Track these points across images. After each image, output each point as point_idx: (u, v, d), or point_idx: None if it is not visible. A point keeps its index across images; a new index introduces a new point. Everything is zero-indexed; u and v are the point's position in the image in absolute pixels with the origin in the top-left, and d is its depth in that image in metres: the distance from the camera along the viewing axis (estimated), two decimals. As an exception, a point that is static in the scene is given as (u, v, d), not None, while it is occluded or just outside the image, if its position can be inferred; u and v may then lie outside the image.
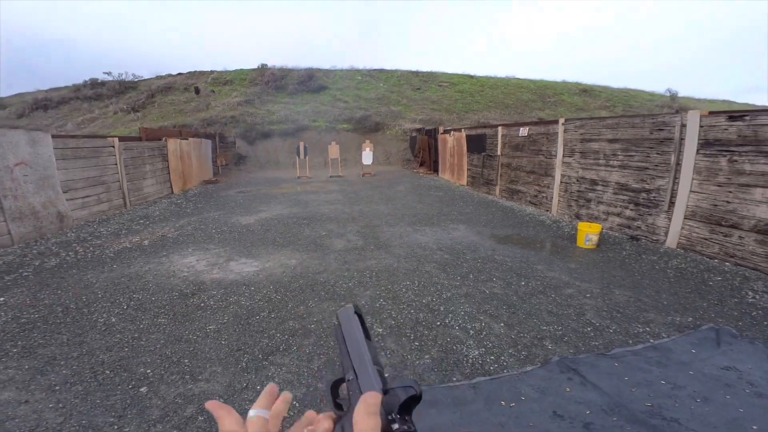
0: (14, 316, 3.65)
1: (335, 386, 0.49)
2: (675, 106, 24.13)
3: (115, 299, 4.03)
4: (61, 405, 2.46)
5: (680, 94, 27.90)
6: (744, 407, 2.29)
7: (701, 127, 4.94)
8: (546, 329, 3.34)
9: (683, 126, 5.16)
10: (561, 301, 3.88)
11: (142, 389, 2.61)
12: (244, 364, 2.90)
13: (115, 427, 2.27)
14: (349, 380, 0.45)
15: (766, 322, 3.33)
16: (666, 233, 5.48)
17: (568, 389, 2.53)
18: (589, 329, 3.31)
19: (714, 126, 4.81)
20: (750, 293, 3.91)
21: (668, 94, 27.49)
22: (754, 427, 2.12)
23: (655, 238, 5.67)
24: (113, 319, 3.59)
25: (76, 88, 25.23)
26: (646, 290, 4.08)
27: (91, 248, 5.83)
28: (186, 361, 2.94)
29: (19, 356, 3.00)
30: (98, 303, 3.95)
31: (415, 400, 0.41)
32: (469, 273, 4.70)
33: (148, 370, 2.81)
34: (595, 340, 3.14)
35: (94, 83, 25.39)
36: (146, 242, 6.19)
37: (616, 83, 36.10)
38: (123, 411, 2.41)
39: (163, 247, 5.93)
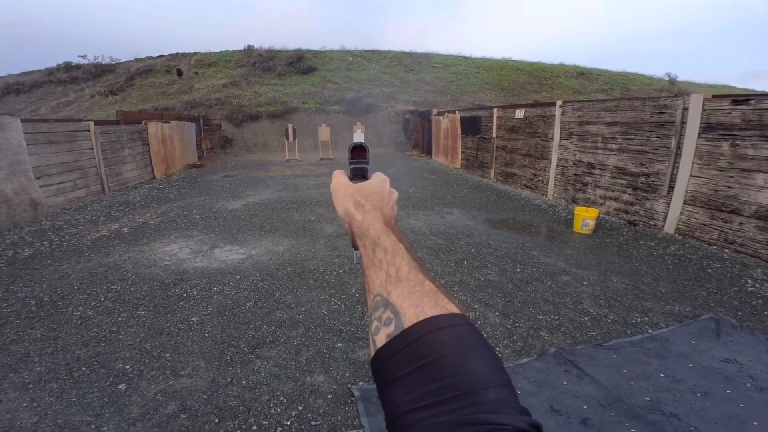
0: (-16, 311, 3.42)
1: (351, 154, 0.65)
2: (674, 90, 23.97)
3: (92, 291, 3.83)
4: (35, 404, 2.34)
5: (680, 79, 27.69)
6: (744, 402, 2.23)
7: (704, 110, 4.81)
8: (542, 318, 3.24)
9: (685, 109, 5.02)
10: (557, 288, 3.78)
11: (120, 386, 2.48)
12: (228, 357, 2.77)
13: (93, 426, 2.16)
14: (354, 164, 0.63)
15: (766, 312, 3.26)
16: (664, 219, 5.40)
17: (565, 382, 2.45)
18: (586, 318, 3.22)
19: (717, 110, 4.68)
20: (750, 281, 3.84)
21: (667, 78, 27.26)
22: (755, 423, 2.06)
23: (653, 224, 5.59)
24: (90, 312, 3.41)
25: (49, 72, 24.08)
26: (644, 277, 3.99)
27: (67, 237, 5.57)
28: (167, 355, 2.80)
29: None
30: (74, 295, 3.75)
31: (359, 147, 0.61)
32: (463, 259, 4.58)
33: (127, 366, 2.68)
34: (592, 330, 3.05)
35: (68, 66, 24.23)
36: (126, 230, 5.94)
37: (614, 67, 35.74)
38: (100, 409, 2.29)
39: (144, 234, 5.69)
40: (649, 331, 3.01)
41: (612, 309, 3.36)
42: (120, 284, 3.99)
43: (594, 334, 2.99)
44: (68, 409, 2.29)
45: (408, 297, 0.37)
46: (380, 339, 0.36)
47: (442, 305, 0.36)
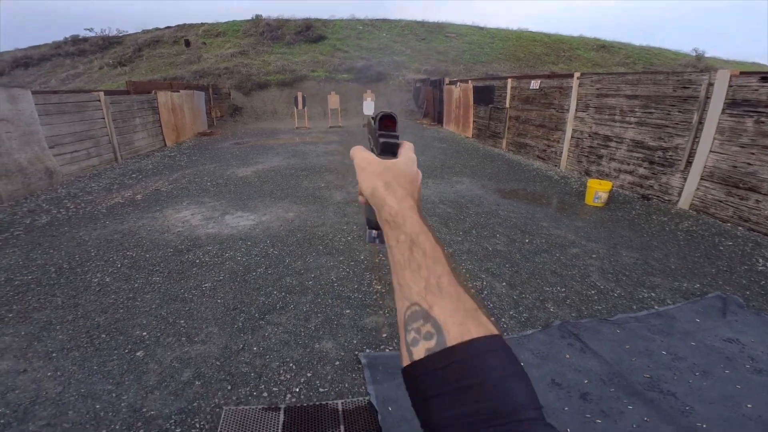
0: (7, 279, 3.55)
1: (369, 125, 0.58)
2: (700, 66, 22.78)
3: (109, 257, 3.94)
4: (59, 373, 2.39)
5: (707, 55, 26.20)
6: (742, 383, 2.23)
7: (730, 86, 4.62)
8: (549, 290, 3.26)
9: (710, 85, 4.82)
10: (566, 261, 3.77)
11: (138, 353, 2.56)
12: (240, 323, 2.85)
13: (114, 395, 2.22)
14: (370, 125, 0.58)
15: (776, 291, 3.22)
16: (679, 194, 5.28)
17: (567, 356, 2.48)
18: (593, 292, 3.23)
19: (744, 86, 4.49)
20: (761, 260, 3.78)
21: (694, 54, 25.81)
22: (749, 406, 2.07)
23: (667, 198, 5.48)
24: (107, 279, 3.52)
25: (57, 45, 23.99)
26: (654, 252, 3.96)
27: (82, 204, 5.68)
28: (182, 321, 2.89)
29: (15, 322, 2.92)
30: (92, 262, 3.86)
31: (388, 118, 0.53)
32: (471, 228, 4.58)
33: (144, 333, 2.76)
34: (598, 303, 3.07)
35: (75, 40, 24.08)
36: (139, 197, 6.03)
37: (638, 41, 33.81)
38: (120, 377, 2.35)
39: (157, 201, 5.78)
40: (655, 307, 3.01)
41: (619, 283, 3.36)
42: (135, 251, 4.10)
43: (600, 308, 3.01)
44: (90, 378, 2.35)
45: (452, 314, 0.36)
46: (418, 352, 0.36)
47: (484, 326, 0.36)
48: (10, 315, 3.00)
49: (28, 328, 2.85)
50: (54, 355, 2.56)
